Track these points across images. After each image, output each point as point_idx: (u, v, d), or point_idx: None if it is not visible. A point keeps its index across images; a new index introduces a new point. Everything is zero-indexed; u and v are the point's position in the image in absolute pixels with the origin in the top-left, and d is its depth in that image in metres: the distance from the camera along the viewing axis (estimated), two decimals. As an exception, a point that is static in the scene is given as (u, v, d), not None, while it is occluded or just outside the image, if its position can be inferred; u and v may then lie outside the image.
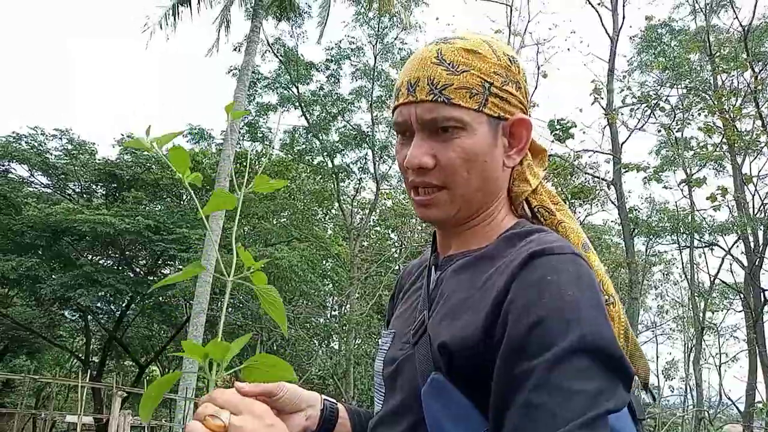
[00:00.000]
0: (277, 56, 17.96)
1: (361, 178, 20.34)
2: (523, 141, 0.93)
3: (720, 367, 22.84)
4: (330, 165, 18.84)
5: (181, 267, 18.20)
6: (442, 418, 0.80)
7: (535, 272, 0.78)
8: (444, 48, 0.89)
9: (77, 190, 20.02)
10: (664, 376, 26.14)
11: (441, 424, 0.80)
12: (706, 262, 21.24)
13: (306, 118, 18.40)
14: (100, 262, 19.13)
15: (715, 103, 10.75)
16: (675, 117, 13.00)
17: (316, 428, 1.04)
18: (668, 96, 14.35)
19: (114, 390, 9.19)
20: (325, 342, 21.29)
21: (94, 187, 19.90)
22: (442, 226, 0.97)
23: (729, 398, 21.11)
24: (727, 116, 10.42)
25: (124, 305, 19.24)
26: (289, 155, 19.89)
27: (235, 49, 17.38)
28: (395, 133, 0.97)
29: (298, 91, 18.13)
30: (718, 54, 12.49)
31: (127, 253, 19.13)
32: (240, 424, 0.71)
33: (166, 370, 25.06)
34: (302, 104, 18.07)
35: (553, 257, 0.79)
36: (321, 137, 18.63)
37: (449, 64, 0.87)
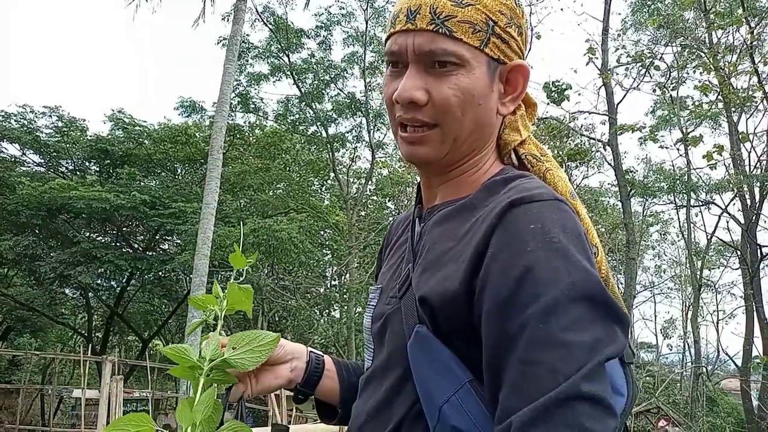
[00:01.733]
0: (266, 25, 17.66)
1: (356, 147, 20.22)
2: (519, 89, 0.89)
3: (717, 323, 23.14)
4: (324, 134, 18.69)
5: (179, 241, 18.23)
6: (426, 370, 0.79)
7: (516, 221, 0.75)
8: None
9: (70, 167, 19.87)
10: (663, 335, 26.53)
11: (425, 375, 0.79)
12: (703, 221, 21.38)
13: (298, 87, 18.18)
14: (98, 238, 19.09)
15: (711, 60, 10.64)
16: (670, 76, 12.90)
17: (301, 380, 1.04)
18: (663, 54, 14.23)
19: (104, 358, 9.26)
20: (326, 311, 21.46)
21: (87, 163, 19.75)
22: (428, 170, 0.93)
23: (727, 354, 21.40)
24: (722, 73, 10.32)
25: (124, 281, 19.28)
26: (283, 126, 19.72)
27: (223, 19, 17.07)
28: (386, 63, 0.91)
29: (289, 60, 17.88)
30: (713, 10, 12.33)
31: (124, 229, 19.10)
32: None
33: (169, 343, 25.28)
34: (294, 73, 17.84)
35: (535, 204, 0.76)
36: (314, 106, 18.44)
37: None
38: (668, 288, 27.05)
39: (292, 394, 1.07)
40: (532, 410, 0.66)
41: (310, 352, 1.07)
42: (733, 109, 13.80)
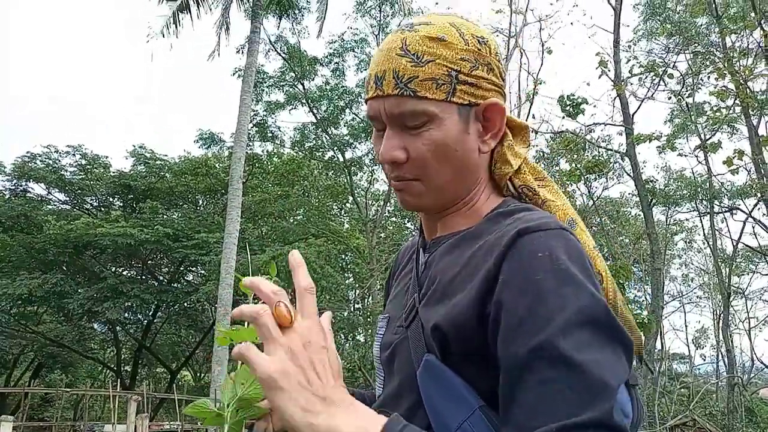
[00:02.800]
0: (280, 54, 17.97)
1: (373, 170, 20.33)
2: (497, 125, 0.91)
3: (750, 331, 22.59)
4: (341, 159, 18.84)
5: (203, 272, 18.40)
6: (437, 398, 0.81)
7: (524, 249, 0.77)
8: (409, 37, 0.86)
9: (95, 204, 20.26)
10: (695, 345, 25.95)
11: (436, 403, 0.81)
12: (728, 227, 21.01)
13: (314, 114, 18.42)
14: (124, 273, 19.37)
15: (725, 65, 10.57)
16: (684, 83, 12.82)
17: None
18: (676, 62, 14.16)
19: (129, 396, 9.35)
20: (351, 335, 21.40)
21: (111, 199, 20.12)
22: (424, 213, 0.97)
23: (762, 362, 20.88)
24: (738, 77, 10.24)
25: (150, 314, 19.47)
26: (300, 153, 19.92)
27: (238, 51, 17.42)
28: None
29: (303, 88, 18.14)
30: (725, 14, 12.27)
31: (149, 262, 19.34)
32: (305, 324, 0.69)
33: (197, 374, 25.38)
34: (309, 100, 18.08)
35: (541, 233, 0.79)
36: (330, 132, 18.63)
37: (413, 55, 0.85)
38: (697, 297, 26.57)
39: None
40: (560, 428, 0.66)
41: None
42: (751, 113, 13.65)
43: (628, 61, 12.11)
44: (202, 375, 24.50)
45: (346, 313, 21.70)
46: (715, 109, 13.18)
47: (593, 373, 0.69)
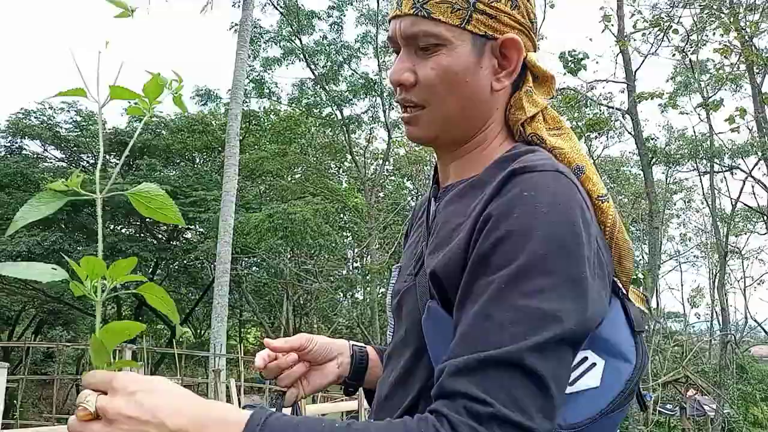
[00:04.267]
0: (276, 8, 17.58)
1: (372, 128, 20.15)
2: (513, 63, 0.88)
3: (745, 290, 22.87)
4: (339, 116, 18.64)
5: (201, 230, 18.44)
6: (439, 344, 0.81)
7: (513, 188, 0.76)
8: None
9: (91, 161, 20.13)
10: (690, 304, 26.25)
11: (438, 349, 0.81)
12: (728, 187, 21.02)
13: (311, 70, 18.12)
14: (122, 231, 19.40)
15: (731, 20, 10.37)
16: (689, 39, 12.60)
17: (348, 373, 1.09)
18: (681, 17, 13.88)
19: (123, 346, 9.51)
20: (349, 293, 21.60)
21: (107, 157, 19.98)
22: (435, 150, 0.96)
23: (755, 320, 21.20)
24: (743, 34, 10.06)
25: (150, 271, 19.59)
26: (297, 110, 19.70)
27: (234, 5, 17.04)
28: None
29: (301, 43, 17.80)
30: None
31: (147, 220, 19.34)
32: (102, 404, 0.66)
33: (197, 330, 25.71)
34: (306, 55, 17.77)
35: (534, 174, 0.77)
36: (328, 88, 18.38)
37: None
38: (694, 256, 26.77)
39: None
40: (468, 360, 0.68)
41: (353, 345, 1.12)
42: (756, 71, 13.47)
43: (632, 15, 11.86)
44: (203, 331, 24.80)
45: (344, 272, 21.87)
46: (718, 66, 13.00)
47: (534, 318, 0.68)
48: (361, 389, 1.13)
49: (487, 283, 0.71)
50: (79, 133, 18.80)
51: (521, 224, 0.72)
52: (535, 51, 0.91)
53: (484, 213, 0.76)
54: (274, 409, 0.76)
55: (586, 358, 0.78)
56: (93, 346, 0.70)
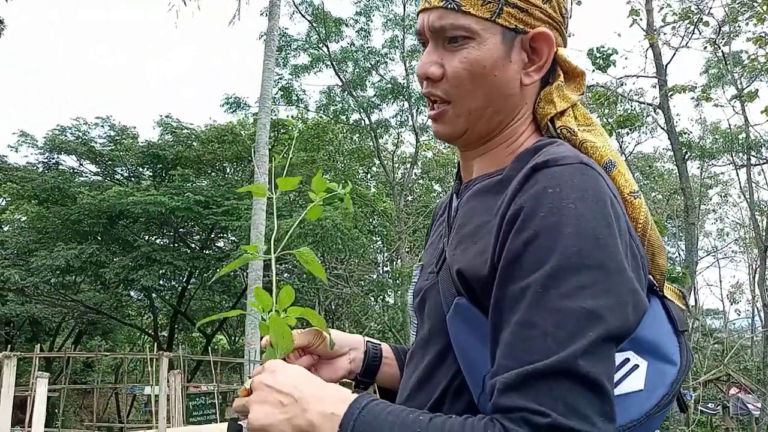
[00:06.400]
0: (304, 16, 17.73)
1: (399, 132, 20.16)
2: (543, 57, 0.86)
3: (787, 285, 22.14)
4: (367, 121, 18.69)
5: (233, 238, 18.66)
6: (468, 341, 0.80)
7: (536, 185, 0.74)
8: None
9: (125, 174, 20.55)
10: (730, 300, 25.59)
11: (467, 346, 0.80)
12: (765, 179, 20.43)
13: (339, 77, 18.22)
14: (157, 241, 19.75)
15: (765, 9, 10.10)
16: (720, 31, 12.31)
17: (360, 369, 1.07)
18: (711, 9, 13.58)
19: (160, 354, 9.67)
20: (380, 297, 21.61)
21: (140, 169, 20.38)
22: (459, 146, 0.94)
23: (799, 316, 20.51)
24: (778, 22, 9.80)
25: (184, 280, 19.89)
26: (325, 117, 19.82)
27: (261, 15, 17.23)
28: None
29: (328, 50, 17.91)
30: (764, -44, 11.66)
31: (180, 230, 19.66)
32: (253, 380, 0.80)
33: (232, 338, 26.00)
34: (334, 62, 17.87)
35: (557, 168, 0.74)
36: (356, 94, 18.45)
37: None
38: (732, 252, 26.09)
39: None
40: (518, 374, 0.66)
41: (367, 341, 1.09)
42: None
43: (661, 9, 11.64)
44: (237, 339, 25.07)
45: (375, 276, 21.88)
46: (752, 57, 12.67)
47: (577, 319, 0.66)
48: (375, 387, 1.12)
49: (523, 288, 0.70)
50: (113, 147, 19.23)
51: (550, 223, 0.70)
52: (565, 46, 0.90)
53: (510, 212, 0.75)
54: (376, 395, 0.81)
55: (628, 359, 0.76)
56: (273, 333, 0.87)
